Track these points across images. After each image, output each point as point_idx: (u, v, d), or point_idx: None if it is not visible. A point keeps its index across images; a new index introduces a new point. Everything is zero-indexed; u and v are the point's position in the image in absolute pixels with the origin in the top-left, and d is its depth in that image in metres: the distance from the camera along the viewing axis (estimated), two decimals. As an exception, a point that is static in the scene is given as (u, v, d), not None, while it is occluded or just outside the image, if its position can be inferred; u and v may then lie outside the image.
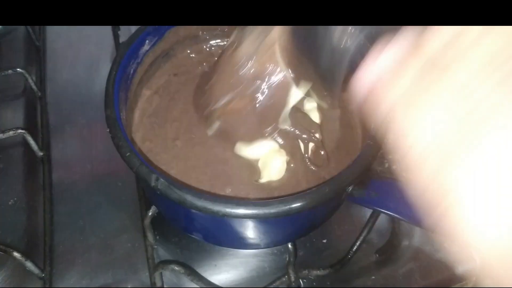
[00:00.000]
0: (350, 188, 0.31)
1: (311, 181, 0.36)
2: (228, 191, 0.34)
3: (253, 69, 0.32)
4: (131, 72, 0.37)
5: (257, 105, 0.33)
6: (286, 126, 0.35)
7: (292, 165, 0.36)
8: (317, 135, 0.37)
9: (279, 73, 0.32)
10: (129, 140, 0.31)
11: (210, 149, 0.37)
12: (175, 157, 0.37)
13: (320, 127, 0.38)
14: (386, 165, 0.41)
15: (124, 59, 0.35)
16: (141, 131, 0.39)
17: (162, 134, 0.38)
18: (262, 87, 0.32)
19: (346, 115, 0.40)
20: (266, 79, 0.32)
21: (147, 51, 0.38)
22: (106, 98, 0.33)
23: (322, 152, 0.37)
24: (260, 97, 0.33)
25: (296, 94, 0.33)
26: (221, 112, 0.35)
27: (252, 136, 0.35)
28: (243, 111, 0.34)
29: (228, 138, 0.36)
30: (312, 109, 0.39)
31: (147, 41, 0.38)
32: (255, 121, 0.34)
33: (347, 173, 0.29)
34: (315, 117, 0.39)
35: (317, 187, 0.29)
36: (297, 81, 0.32)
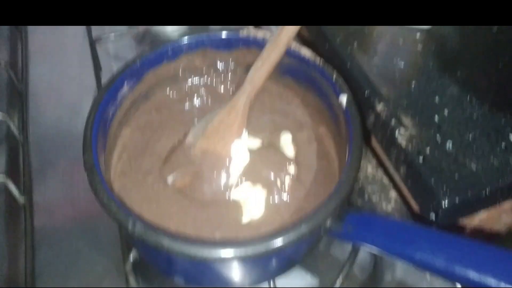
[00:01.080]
0: (327, 223, 0.31)
1: (294, 215, 0.36)
2: (217, 235, 0.34)
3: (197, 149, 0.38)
4: (110, 115, 0.37)
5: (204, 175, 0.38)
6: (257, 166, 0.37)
7: (270, 200, 0.37)
8: (292, 169, 0.38)
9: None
10: (106, 184, 0.32)
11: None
12: (146, 196, 0.37)
13: (296, 160, 0.39)
14: (366, 197, 0.42)
15: (102, 103, 0.36)
16: (119, 167, 0.39)
17: (137, 167, 0.39)
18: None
19: (322, 148, 0.40)
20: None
21: (126, 93, 0.39)
22: (84, 143, 0.34)
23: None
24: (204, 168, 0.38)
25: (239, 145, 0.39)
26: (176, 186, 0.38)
27: (217, 193, 0.37)
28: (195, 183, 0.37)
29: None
30: (287, 142, 0.40)
31: (125, 84, 0.39)
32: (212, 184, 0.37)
33: (321, 209, 0.30)
34: (290, 150, 0.39)
35: (292, 224, 0.29)
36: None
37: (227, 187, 0.37)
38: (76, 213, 0.43)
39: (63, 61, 0.57)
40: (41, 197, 0.44)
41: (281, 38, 0.38)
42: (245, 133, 0.39)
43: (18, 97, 0.53)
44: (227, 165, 0.38)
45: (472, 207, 0.36)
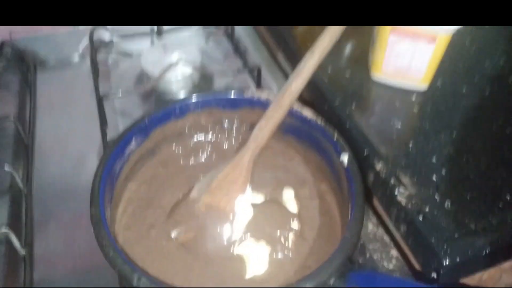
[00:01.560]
0: (331, 281, 0.31)
1: (298, 271, 0.36)
2: None
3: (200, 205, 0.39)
4: (117, 170, 0.38)
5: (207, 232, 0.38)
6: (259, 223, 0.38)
7: (274, 256, 0.37)
8: (295, 225, 0.39)
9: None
10: (113, 238, 0.32)
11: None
12: (149, 251, 0.37)
13: (299, 216, 0.40)
14: (368, 255, 0.42)
15: (110, 159, 0.37)
16: (124, 220, 0.40)
17: (141, 221, 0.39)
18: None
19: (324, 204, 0.41)
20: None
21: (133, 149, 0.40)
22: (92, 196, 0.34)
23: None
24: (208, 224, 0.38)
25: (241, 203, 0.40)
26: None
27: (221, 248, 0.37)
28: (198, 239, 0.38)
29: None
30: (290, 198, 0.41)
31: (133, 140, 0.40)
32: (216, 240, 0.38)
33: (326, 267, 0.30)
34: (293, 206, 0.40)
35: (297, 282, 0.29)
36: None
37: (231, 243, 0.38)
38: (76, 265, 0.43)
39: (70, 116, 0.59)
40: (42, 249, 0.44)
41: (284, 99, 0.40)
42: (249, 189, 0.40)
43: (24, 149, 0.54)
44: (231, 220, 0.38)
45: (473, 266, 0.36)
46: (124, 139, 0.39)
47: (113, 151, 0.38)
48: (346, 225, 0.33)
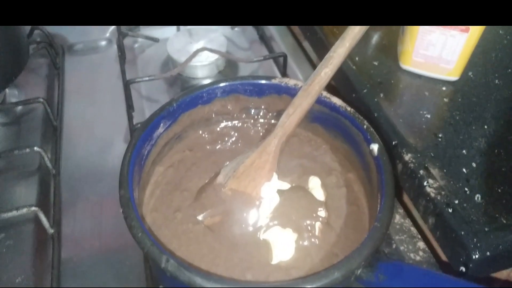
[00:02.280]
0: (359, 271, 0.31)
1: (324, 259, 0.36)
2: (248, 277, 0.34)
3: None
4: (145, 153, 0.39)
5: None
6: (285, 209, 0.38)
7: (301, 243, 0.37)
8: (322, 213, 0.38)
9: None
10: (141, 220, 0.32)
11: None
12: (176, 234, 0.37)
13: (326, 204, 0.39)
14: (394, 246, 0.41)
15: (139, 142, 0.37)
16: (151, 202, 0.40)
17: (168, 204, 0.40)
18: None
19: (352, 193, 0.41)
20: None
21: (161, 133, 0.40)
22: (121, 178, 0.35)
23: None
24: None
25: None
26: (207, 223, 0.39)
27: (247, 233, 0.38)
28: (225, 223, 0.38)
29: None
30: (316, 186, 0.40)
31: (161, 124, 0.40)
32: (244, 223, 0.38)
33: (354, 256, 0.30)
34: (320, 194, 0.40)
35: (325, 271, 0.29)
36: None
37: (257, 228, 0.38)
38: (103, 245, 0.44)
39: (97, 100, 0.59)
40: (70, 228, 0.45)
41: (313, 87, 0.40)
42: (275, 176, 0.40)
43: (53, 131, 0.55)
44: (257, 206, 0.38)
45: (503, 261, 0.36)
46: (152, 123, 0.39)
47: (141, 135, 0.38)
48: (376, 214, 0.32)
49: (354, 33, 0.40)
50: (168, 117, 0.41)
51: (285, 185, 0.41)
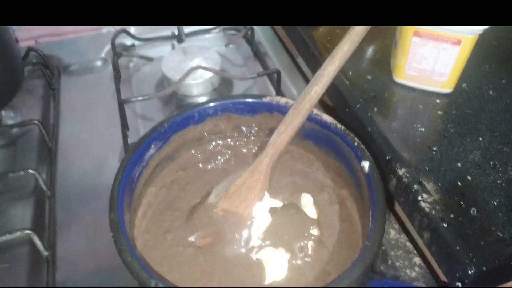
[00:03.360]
0: (351, 290, 0.31)
1: (318, 277, 0.36)
2: None
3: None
4: (136, 175, 0.39)
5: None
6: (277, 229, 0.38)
7: (294, 262, 0.36)
8: (315, 231, 0.38)
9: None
10: (131, 244, 0.32)
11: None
12: (166, 256, 0.37)
13: (318, 222, 0.39)
14: (390, 262, 0.41)
15: (129, 164, 0.37)
16: (143, 224, 0.40)
17: (159, 225, 0.40)
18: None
19: (344, 210, 0.40)
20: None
21: (152, 155, 0.40)
22: (111, 202, 0.34)
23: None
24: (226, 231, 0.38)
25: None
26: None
27: (239, 254, 0.37)
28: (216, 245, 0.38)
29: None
30: (308, 204, 0.40)
31: (152, 145, 0.40)
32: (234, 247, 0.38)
33: (345, 276, 0.29)
34: (312, 212, 0.40)
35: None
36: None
37: (249, 249, 0.37)
38: (97, 266, 0.43)
39: (92, 120, 0.59)
40: (64, 250, 0.45)
41: (303, 105, 0.40)
42: (267, 195, 0.40)
43: (48, 152, 0.55)
44: (249, 226, 0.38)
45: (499, 275, 0.35)
46: (143, 145, 0.39)
47: (132, 157, 0.38)
48: (367, 233, 0.32)
49: (343, 51, 0.40)
50: (159, 138, 0.41)
51: (278, 203, 0.40)
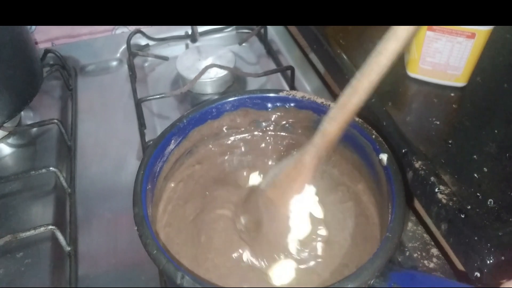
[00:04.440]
0: (372, 281, 0.31)
1: (334, 272, 0.36)
2: None
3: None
4: (157, 170, 0.39)
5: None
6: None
7: (301, 267, 0.37)
8: (323, 231, 0.38)
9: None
10: (156, 237, 0.33)
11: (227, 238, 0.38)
12: (188, 245, 0.38)
13: (325, 221, 0.39)
14: (407, 253, 0.41)
15: (151, 159, 0.38)
16: (165, 219, 0.41)
17: (180, 215, 0.40)
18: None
19: (360, 205, 0.41)
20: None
21: (172, 150, 0.41)
22: (135, 197, 0.35)
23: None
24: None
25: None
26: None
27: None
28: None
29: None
30: (313, 204, 0.39)
31: (172, 141, 0.41)
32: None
33: (367, 267, 0.30)
34: (318, 212, 0.39)
35: (339, 282, 0.29)
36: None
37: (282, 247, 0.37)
38: (118, 262, 0.44)
39: (109, 118, 0.60)
40: (86, 246, 0.46)
41: (363, 83, 0.32)
42: (310, 190, 0.37)
43: (68, 151, 0.56)
44: (286, 224, 0.37)
45: (518, 266, 0.35)
46: (163, 140, 0.40)
47: (153, 152, 0.39)
48: (388, 225, 0.32)
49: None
50: (179, 134, 0.42)
51: (319, 211, 0.39)
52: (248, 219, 0.38)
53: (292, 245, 0.36)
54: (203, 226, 0.39)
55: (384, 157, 0.37)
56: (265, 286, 0.35)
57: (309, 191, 0.37)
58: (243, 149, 0.47)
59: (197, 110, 0.43)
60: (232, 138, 0.47)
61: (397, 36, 0.31)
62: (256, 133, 0.47)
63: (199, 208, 0.41)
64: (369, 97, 0.47)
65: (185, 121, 0.42)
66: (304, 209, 0.37)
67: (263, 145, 0.47)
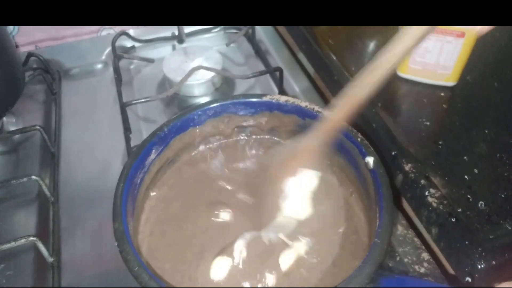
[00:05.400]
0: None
1: (324, 279, 0.35)
2: None
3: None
4: (138, 181, 0.38)
5: None
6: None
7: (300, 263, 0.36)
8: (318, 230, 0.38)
9: None
10: (137, 252, 0.32)
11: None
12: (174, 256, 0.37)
13: (323, 221, 0.38)
14: (398, 258, 0.40)
15: (131, 171, 0.37)
16: (147, 229, 0.40)
17: (163, 221, 0.40)
18: None
19: (349, 209, 0.40)
20: None
21: (154, 159, 0.40)
22: (114, 211, 0.34)
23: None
24: None
25: None
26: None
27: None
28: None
29: None
30: (309, 202, 0.38)
31: (153, 150, 0.40)
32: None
33: (357, 274, 0.29)
34: (307, 209, 0.38)
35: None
36: None
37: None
38: (103, 272, 0.43)
39: (94, 123, 0.59)
40: (69, 256, 0.45)
41: (370, 77, 0.32)
42: (311, 177, 0.37)
43: (51, 157, 0.55)
44: (278, 206, 0.37)
45: (509, 269, 0.35)
46: (144, 150, 0.39)
47: (133, 163, 0.37)
48: (376, 230, 0.32)
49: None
50: (160, 143, 0.40)
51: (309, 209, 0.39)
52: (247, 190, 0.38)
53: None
54: (187, 226, 0.38)
55: (370, 160, 0.36)
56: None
57: (311, 176, 0.37)
58: (227, 155, 0.46)
59: (178, 118, 0.42)
60: (215, 144, 0.46)
61: (409, 35, 0.32)
62: (239, 138, 0.46)
63: (183, 212, 0.40)
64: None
65: (166, 129, 0.41)
66: (301, 193, 0.37)
67: (247, 151, 0.46)
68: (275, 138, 0.46)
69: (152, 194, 0.41)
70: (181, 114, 0.42)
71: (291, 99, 0.42)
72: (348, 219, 0.39)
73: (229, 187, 0.42)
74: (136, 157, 0.38)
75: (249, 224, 0.38)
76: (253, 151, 0.46)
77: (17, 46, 0.71)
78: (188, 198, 0.41)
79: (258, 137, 0.46)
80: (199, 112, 0.43)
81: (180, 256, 0.37)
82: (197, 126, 0.43)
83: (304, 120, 0.41)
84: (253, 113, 0.44)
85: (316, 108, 0.41)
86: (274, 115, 0.43)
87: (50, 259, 0.44)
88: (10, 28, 0.68)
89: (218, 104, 0.43)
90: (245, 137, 0.46)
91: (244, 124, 0.45)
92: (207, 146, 0.46)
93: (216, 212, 0.39)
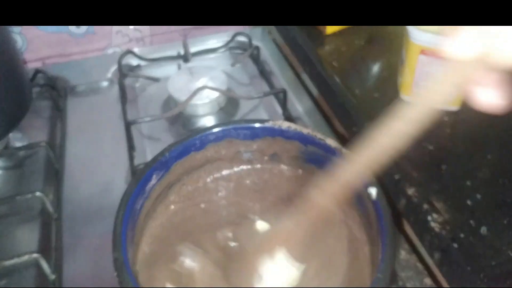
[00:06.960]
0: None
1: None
2: None
3: None
4: (138, 208, 0.38)
5: None
6: None
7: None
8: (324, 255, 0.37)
9: None
10: (136, 282, 0.31)
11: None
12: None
13: (328, 246, 0.38)
14: (400, 283, 0.40)
15: (131, 198, 0.37)
16: (147, 256, 0.39)
17: (163, 254, 0.39)
18: None
19: (352, 239, 0.40)
20: None
21: (154, 185, 0.40)
22: (114, 239, 0.34)
23: None
24: None
25: None
26: None
27: None
28: None
29: None
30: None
31: (154, 176, 0.39)
32: None
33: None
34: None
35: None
36: None
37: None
38: (105, 288, 0.43)
39: (99, 141, 0.59)
40: (71, 273, 0.45)
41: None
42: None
43: (55, 174, 0.55)
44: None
45: (513, 297, 0.35)
46: (145, 176, 0.39)
47: (134, 190, 0.37)
48: (377, 265, 0.31)
49: None
50: (161, 168, 0.40)
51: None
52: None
53: None
54: (186, 257, 0.38)
55: (373, 191, 0.36)
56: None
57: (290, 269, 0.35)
58: (229, 180, 0.46)
59: (180, 143, 0.41)
60: (216, 170, 0.46)
61: None
62: (241, 163, 0.46)
63: (183, 242, 0.39)
64: (361, 120, 0.47)
65: (167, 154, 0.40)
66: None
67: (247, 176, 0.46)
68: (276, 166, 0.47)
69: (152, 222, 0.41)
70: (183, 139, 0.42)
71: (293, 126, 0.42)
72: (350, 250, 0.39)
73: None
74: (137, 183, 0.37)
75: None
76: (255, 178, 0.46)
77: (25, 62, 0.71)
78: (185, 231, 0.41)
79: (261, 165, 0.46)
80: (201, 137, 0.42)
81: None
82: (199, 151, 0.43)
83: (306, 146, 0.41)
84: (254, 138, 0.44)
85: (319, 135, 0.41)
86: (276, 140, 0.43)
87: (52, 276, 0.43)
88: (19, 44, 0.69)
89: (220, 129, 0.43)
90: (246, 163, 0.46)
91: (245, 149, 0.45)
92: (208, 173, 0.46)
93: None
